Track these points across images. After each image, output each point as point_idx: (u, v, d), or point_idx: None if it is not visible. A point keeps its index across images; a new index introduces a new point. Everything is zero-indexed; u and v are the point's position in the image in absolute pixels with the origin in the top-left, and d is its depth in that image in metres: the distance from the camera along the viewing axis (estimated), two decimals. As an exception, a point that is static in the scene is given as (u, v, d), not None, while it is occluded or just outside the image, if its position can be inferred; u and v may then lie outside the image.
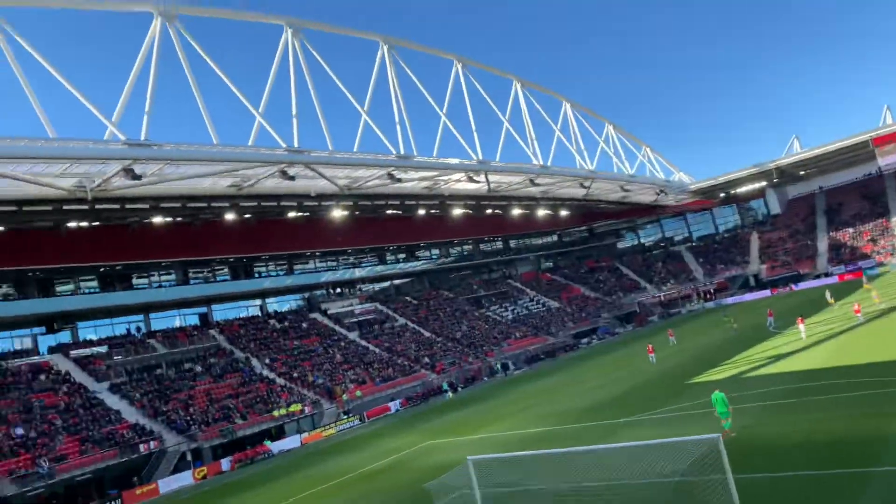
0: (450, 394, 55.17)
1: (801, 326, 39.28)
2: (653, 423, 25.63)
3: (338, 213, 59.92)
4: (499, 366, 64.43)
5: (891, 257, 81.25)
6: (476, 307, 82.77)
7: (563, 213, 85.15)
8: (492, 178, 62.71)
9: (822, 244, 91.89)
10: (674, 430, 23.49)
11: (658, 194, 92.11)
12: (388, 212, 68.52)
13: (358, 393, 53.03)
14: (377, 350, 63.89)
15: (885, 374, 24.43)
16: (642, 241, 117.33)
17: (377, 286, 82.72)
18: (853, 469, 15.77)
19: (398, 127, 53.28)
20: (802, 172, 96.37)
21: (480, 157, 58.80)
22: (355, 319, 69.81)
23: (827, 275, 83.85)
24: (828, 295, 56.73)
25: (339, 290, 76.63)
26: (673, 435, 19.15)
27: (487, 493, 18.01)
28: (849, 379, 25.10)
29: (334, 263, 75.32)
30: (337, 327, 67.12)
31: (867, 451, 16.76)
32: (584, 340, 76.18)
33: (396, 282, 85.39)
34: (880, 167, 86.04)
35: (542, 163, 66.01)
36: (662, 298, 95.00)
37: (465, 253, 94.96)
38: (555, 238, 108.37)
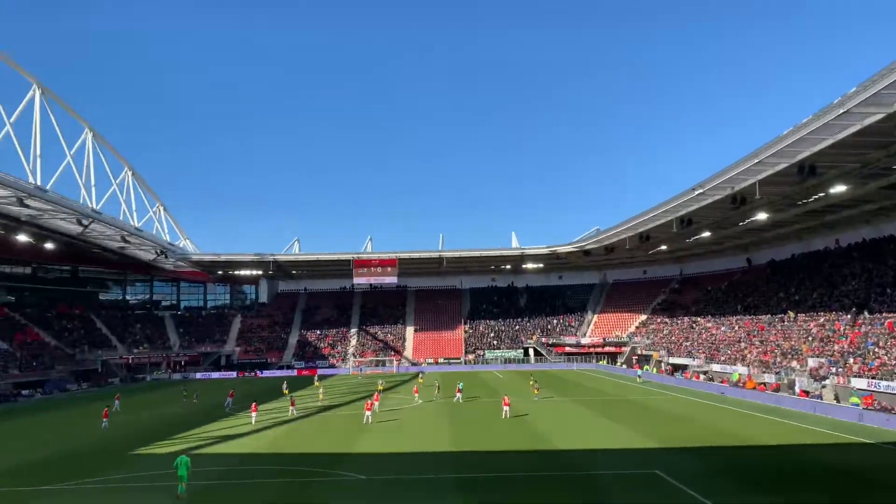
0: None
1: (254, 413, 42.05)
2: (73, 494, 23.60)
3: None
4: None
5: (342, 362, 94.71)
6: None
7: (49, 245, 74.88)
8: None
9: (293, 339, 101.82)
10: (91, 501, 22.34)
11: (158, 255, 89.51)
12: None
13: None
14: None
15: (309, 463, 27.97)
16: (128, 297, 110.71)
17: None
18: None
19: None
20: (295, 271, 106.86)
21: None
22: None
23: (289, 367, 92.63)
24: (284, 385, 62.56)
25: None
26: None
27: None
28: (280, 466, 27.76)
29: None
30: None
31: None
32: (26, 392, 66.40)
33: None
34: (353, 284, 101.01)
35: (40, 183, 57.74)
36: (130, 361, 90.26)
37: None
38: (28, 270, 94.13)
